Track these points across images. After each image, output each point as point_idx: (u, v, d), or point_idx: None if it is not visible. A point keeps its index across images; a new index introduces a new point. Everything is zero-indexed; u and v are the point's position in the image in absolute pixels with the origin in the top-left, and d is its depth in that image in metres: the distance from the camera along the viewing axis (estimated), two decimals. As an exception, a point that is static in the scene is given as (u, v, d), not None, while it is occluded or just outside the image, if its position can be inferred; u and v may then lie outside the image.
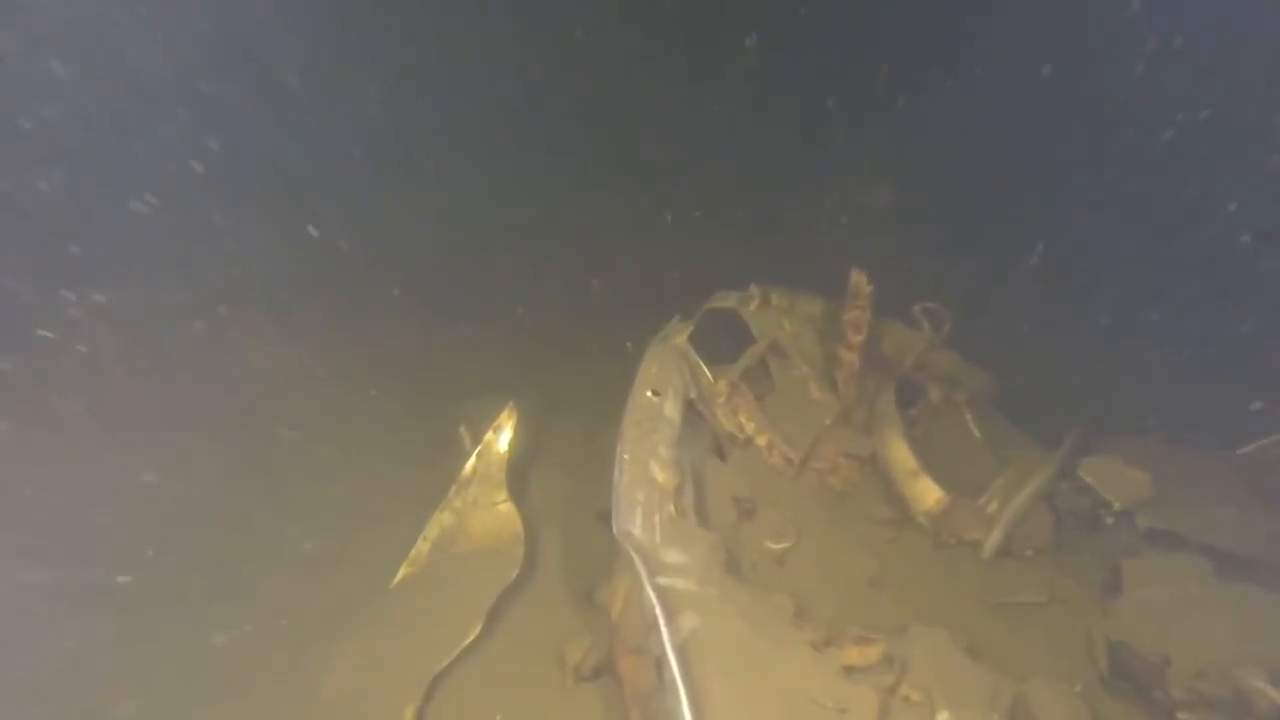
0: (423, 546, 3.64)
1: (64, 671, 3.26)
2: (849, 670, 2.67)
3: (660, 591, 2.66)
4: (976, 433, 4.42)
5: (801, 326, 4.41)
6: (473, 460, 3.74)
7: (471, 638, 3.21)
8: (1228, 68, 4.88)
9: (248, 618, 3.58)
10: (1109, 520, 3.86)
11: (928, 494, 3.86)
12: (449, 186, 6.38)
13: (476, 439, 3.82)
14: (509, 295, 6.00)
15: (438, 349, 5.54)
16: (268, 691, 3.24)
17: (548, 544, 3.75)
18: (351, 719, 3.13)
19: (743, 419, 3.83)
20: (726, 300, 4.33)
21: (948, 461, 4.09)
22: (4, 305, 4.58)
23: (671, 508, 2.98)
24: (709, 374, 3.85)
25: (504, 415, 3.83)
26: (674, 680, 2.43)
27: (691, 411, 3.58)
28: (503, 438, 3.79)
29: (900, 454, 3.99)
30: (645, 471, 3.05)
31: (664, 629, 2.55)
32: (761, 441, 3.82)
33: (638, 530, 2.87)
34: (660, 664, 2.54)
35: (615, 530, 2.90)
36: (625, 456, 3.10)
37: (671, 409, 3.39)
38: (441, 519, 3.67)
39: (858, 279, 3.96)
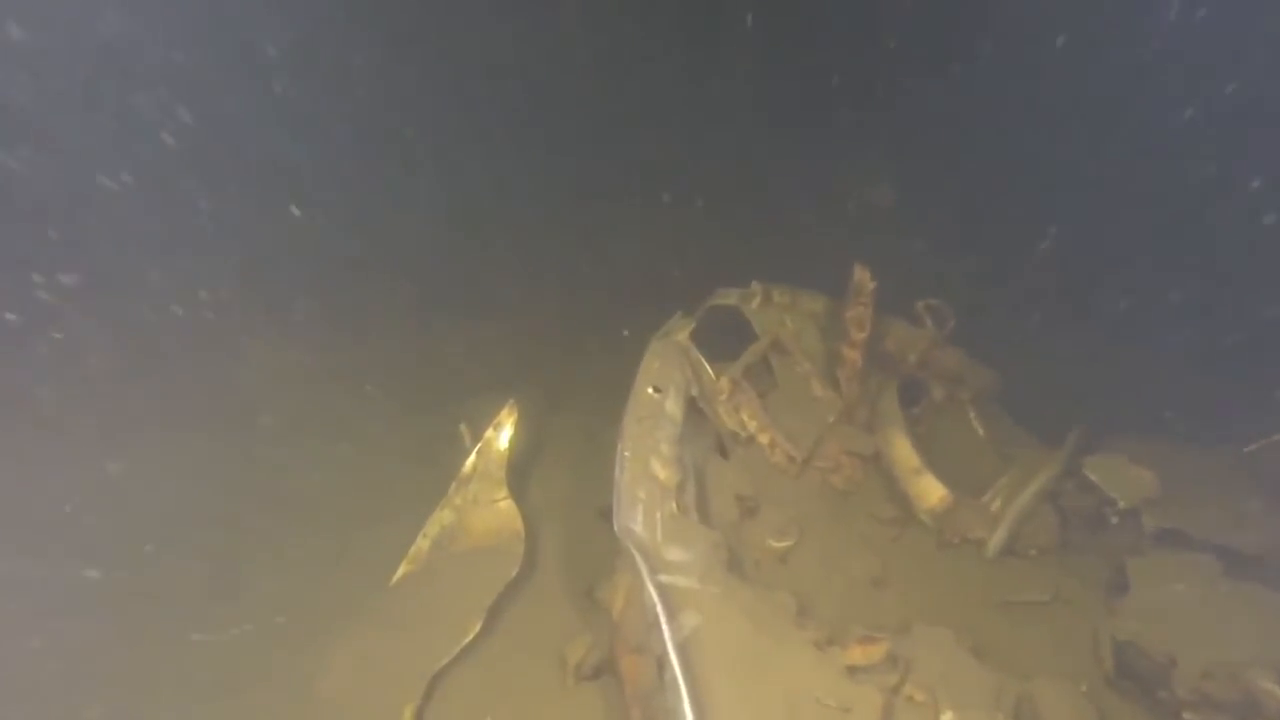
0: (423, 544, 3.63)
1: (63, 671, 3.23)
2: (852, 670, 2.65)
3: (662, 590, 2.64)
4: (980, 431, 4.41)
5: (804, 324, 4.38)
6: (473, 458, 3.73)
7: (471, 636, 3.20)
8: (1256, 39, 4.73)
9: (247, 616, 3.55)
10: (1114, 519, 3.85)
11: (931, 492, 3.85)
12: (449, 186, 6.38)
13: (477, 436, 3.82)
14: (509, 294, 5.98)
15: (438, 346, 5.52)
16: (267, 690, 3.22)
17: (548, 542, 3.74)
18: (351, 718, 3.11)
19: (745, 417, 3.81)
20: (728, 297, 4.31)
21: (951, 460, 4.07)
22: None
23: (673, 505, 2.97)
24: (711, 371, 3.84)
25: (504, 412, 3.82)
26: (675, 679, 2.42)
27: (693, 409, 3.56)
28: (503, 435, 3.78)
29: (903, 452, 3.98)
30: (647, 469, 3.04)
31: (665, 627, 2.54)
32: (764, 439, 3.80)
33: (639, 528, 2.85)
34: (661, 663, 2.53)
35: (616, 528, 2.88)
36: (626, 454, 3.08)
37: (673, 406, 3.37)
38: (441, 517, 3.66)
39: (860, 276, 3.94)
